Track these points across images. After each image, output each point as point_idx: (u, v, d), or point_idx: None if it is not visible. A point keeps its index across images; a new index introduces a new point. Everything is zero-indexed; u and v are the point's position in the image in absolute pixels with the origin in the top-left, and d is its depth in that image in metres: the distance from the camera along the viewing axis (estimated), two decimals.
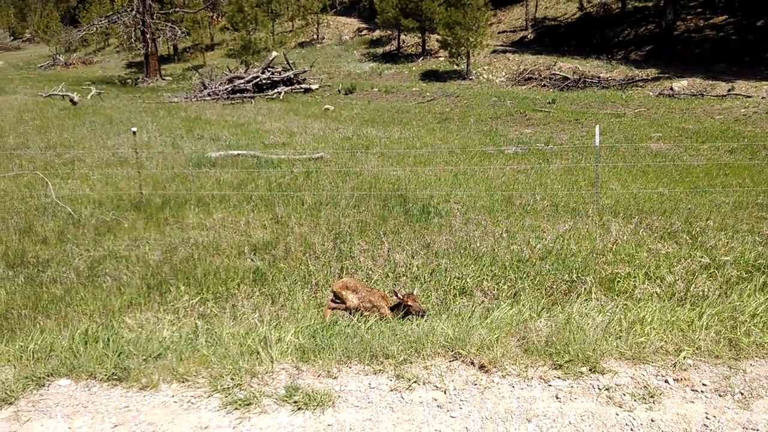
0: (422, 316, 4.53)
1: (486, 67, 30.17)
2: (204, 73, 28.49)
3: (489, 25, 30.89)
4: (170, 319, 4.91)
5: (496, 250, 6.23)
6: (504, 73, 29.04)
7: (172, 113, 19.74)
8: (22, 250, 6.78)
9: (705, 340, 3.99)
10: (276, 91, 25.44)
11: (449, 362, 3.87)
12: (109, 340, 4.21)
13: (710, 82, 22.60)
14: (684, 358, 3.82)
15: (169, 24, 35.50)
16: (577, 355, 3.82)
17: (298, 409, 3.41)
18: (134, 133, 9.31)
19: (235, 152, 11.98)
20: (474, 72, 29.28)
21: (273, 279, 5.76)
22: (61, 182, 9.79)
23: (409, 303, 4.59)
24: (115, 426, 3.32)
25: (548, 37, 33.72)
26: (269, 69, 26.46)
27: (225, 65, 32.00)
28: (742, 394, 3.49)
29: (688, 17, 29.83)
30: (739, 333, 4.08)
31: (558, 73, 26.66)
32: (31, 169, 10.54)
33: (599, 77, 25.54)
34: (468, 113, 19.58)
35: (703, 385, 3.58)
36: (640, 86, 23.89)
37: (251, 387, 3.62)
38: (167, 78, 34.69)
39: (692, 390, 3.55)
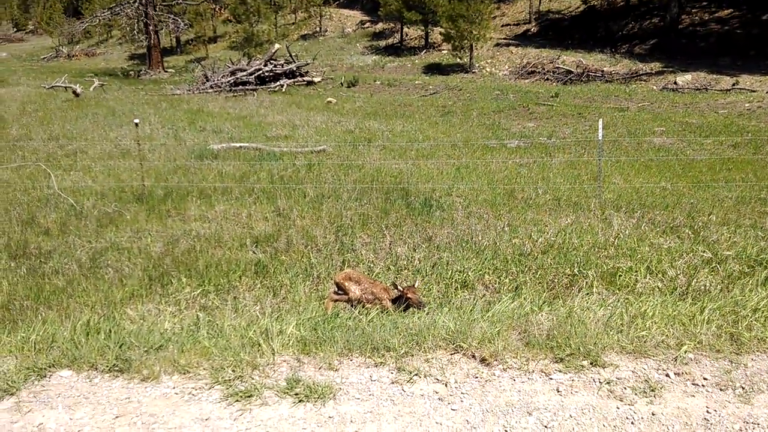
0: (421, 308, 4.54)
1: (489, 61, 30.05)
2: (206, 66, 28.45)
3: (492, 18, 30.80)
4: (172, 311, 4.93)
5: (498, 243, 6.23)
6: (507, 67, 28.93)
7: (174, 105, 19.73)
8: (25, 241, 6.79)
9: (706, 335, 3.98)
10: (278, 83, 25.42)
11: (450, 355, 3.87)
12: (110, 331, 4.23)
13: (714, 76, 22.49)
14: (685, 352, 3.82)
15: (172, 16, 35.42)
16: (579, 348, 3.82)
17: (300, 401, 3.42)
18: (137, 124, 9.29)
19: (237, 145, 11.98)
20: (477, 65, 29.18)
21: (274, 271, 5.77)
22: (64, 174, 9.80)
23: (409, 295, 4.60)
24: (116, 417, 3.33)
25: (552, 31, 33.55)
26: (272, 61, 26.41)
27: (227, 57, 31.97)
28: (743, 388, 3.49)
29: (693, 11, 29.63)
30: (740, 327, 4.08)
31: (561, 66, 26.53)
32: (33, 161, 10.56)
33: (603, 71, 25.42)
34: (471, 107, 19.52)
35: (704, 379, 3.58)
36: (644, 80, 23.78)
37: (252, 379, 3.63)
38: (170, 70, 34.68)
39: (693, 384, 3.54)
